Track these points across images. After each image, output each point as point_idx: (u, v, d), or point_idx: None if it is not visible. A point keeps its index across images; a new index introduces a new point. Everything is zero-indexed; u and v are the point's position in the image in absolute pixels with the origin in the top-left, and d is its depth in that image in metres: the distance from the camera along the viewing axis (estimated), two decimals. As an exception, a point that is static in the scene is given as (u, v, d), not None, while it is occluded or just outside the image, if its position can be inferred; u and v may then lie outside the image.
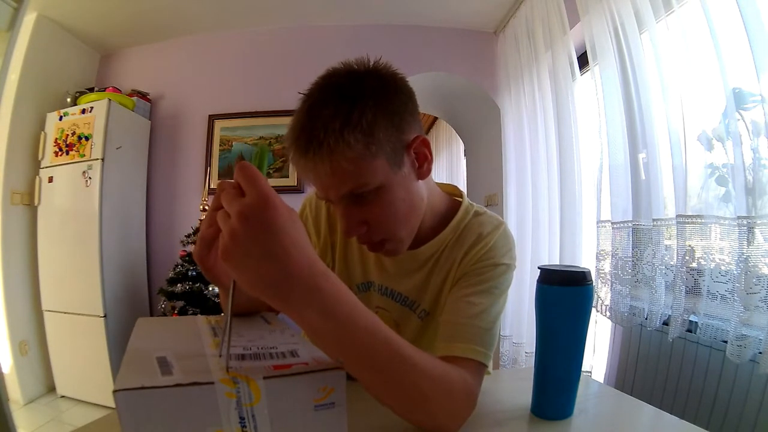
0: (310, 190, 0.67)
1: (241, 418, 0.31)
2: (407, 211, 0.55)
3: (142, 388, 0.29)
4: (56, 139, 2.21)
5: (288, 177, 2.44)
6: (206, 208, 2.20)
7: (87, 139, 2.14)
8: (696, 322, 1.09)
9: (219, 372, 0.33)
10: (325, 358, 0.36)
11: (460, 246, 0.63)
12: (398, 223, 0.55)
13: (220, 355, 0.36)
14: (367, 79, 0.51)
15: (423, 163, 0.56)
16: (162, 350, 0.36)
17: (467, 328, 0.55)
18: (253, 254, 0.30)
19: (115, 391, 0.28)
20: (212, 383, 0.31)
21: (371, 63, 0.53)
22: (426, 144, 0.55)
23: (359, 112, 0.47)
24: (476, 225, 0.64)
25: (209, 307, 1.98)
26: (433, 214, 0.64)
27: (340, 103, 0.47)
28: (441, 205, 0.66)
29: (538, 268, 0.54)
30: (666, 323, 1.18)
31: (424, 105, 3.18)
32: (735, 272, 0.99)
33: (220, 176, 2.51)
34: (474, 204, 0.68)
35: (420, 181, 0.58)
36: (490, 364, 0.58)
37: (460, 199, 0.68)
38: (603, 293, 1.43)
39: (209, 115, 2.55)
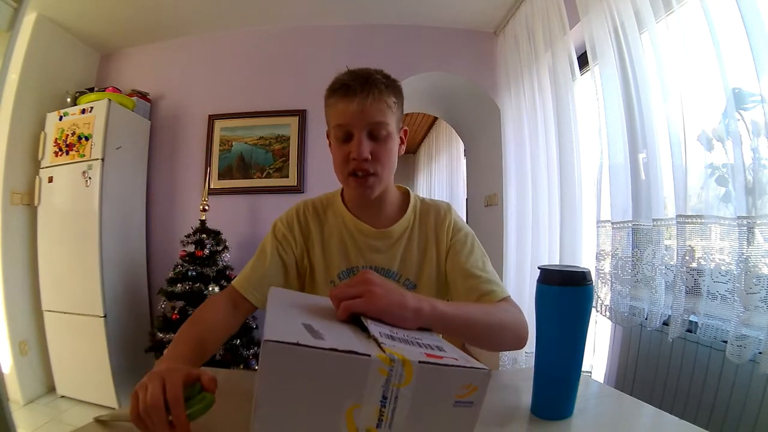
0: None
1: (384, 398, 0.31)
2: (393, 161, 0.78)
3: (297, 344, 0.27)
4: (56, 139, 2.21)
5: (288, 177, 2.45)
6: (206, 208, 2.20)
7: (87, 139, 2.14)
8: (696, 322, 1.09)
9: (373, 348, 0.32)
10: (471, 359, 0.36)
11: (426, 222, 0.84)
12: (387, 165, 0.76)
13: (369, 335, 0.36)
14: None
15: (401, 145, 0.81)
16: (306, 319, 0.36)
17: (488, 284, 0.75)
18: (392, 296, 0.47)
19: (266, 341, 0.27)
20: (369, 356, 0.30)
21: None
22: (405, 133, 0.83)
23: (394, 83, 0.76)
24: (431, 206, 0.86)
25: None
26: (396, 199, 0.85)
27: (383, 74, 0.75)
28: (398, 195, 0.87)
29: (538, 268, 0.54)
30: (666, 323, 1.18)
31: (424, 105, 3.18)
32: (735, 272, 0.99)
33: (219, 176, 2.51)
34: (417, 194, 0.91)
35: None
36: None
37: (406, 193, 0.89)
38: (603, 293, 1.43)
39: (209, 115, 2.55)
